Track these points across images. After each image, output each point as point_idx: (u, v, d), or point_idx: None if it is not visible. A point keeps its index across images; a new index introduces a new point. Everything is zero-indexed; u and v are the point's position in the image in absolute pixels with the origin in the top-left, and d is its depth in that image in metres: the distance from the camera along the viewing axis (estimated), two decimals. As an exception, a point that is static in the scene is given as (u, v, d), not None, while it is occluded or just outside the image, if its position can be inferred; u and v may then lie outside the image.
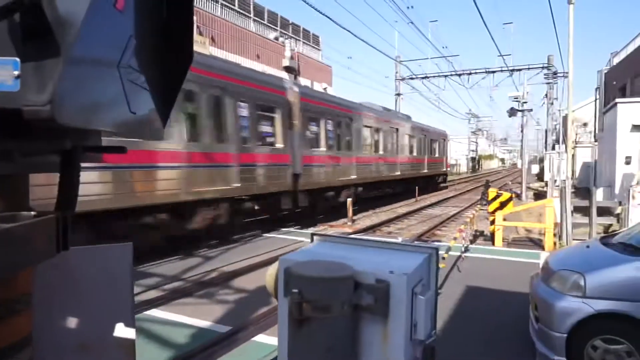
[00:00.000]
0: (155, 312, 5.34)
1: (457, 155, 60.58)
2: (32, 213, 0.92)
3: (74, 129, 0.90)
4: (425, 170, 23.97)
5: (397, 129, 19.75)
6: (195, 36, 18.62)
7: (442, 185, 29.28)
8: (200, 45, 17.57)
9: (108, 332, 1.29)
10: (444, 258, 7.32)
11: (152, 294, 6.06)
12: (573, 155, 14.65)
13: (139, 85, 1.10)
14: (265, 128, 10.81)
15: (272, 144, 10.95)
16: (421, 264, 1.19)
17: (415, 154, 22.21)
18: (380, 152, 17.94)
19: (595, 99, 28.32)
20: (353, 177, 15.30)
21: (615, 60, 26.03)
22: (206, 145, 8.69)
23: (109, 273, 1.30)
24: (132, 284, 1.35)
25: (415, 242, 10.37)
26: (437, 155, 26.51)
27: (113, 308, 1.31)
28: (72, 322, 1.21)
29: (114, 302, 1.31)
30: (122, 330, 1.30)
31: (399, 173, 19.79)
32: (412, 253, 1.28)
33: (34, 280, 0.99)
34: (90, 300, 1.26)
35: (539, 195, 22.00)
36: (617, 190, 12.81)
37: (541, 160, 34.46)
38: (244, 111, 9.80)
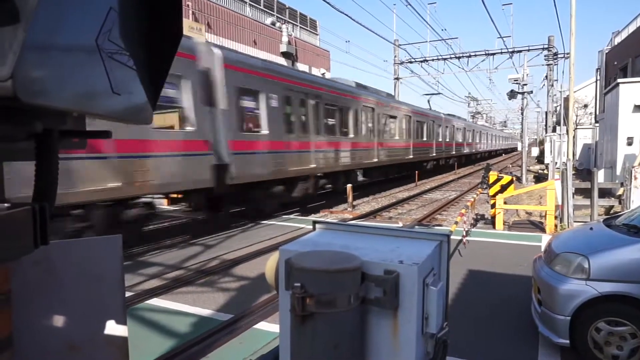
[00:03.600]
0: (156, 301, 5.32)
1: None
2: (6, 205, 0.82)
3: (44, 110, 0.80)
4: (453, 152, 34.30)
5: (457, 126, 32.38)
6: (191, 22, 18.31)
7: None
8: (197, 32, 17.32)
9: (98, 331, 1.22)
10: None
11: (154, 283, 6.04)
12: (573, 137, 14.56)
13: (124, 64, 0.99)
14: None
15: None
16: (432, 253, 1.12)
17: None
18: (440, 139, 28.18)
19: (596, 80, 28.11)
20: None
21: (617, 40, 25.73)
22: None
23: (97, 268, 1.22)
24: (122, 279, 1.28)
25: (416, 227, 10.35)
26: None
27: (103, 305, 1.23)
28: (57, 322, 1.14)
29: (103, 299, 1.23)
30: (113, 328, 1.23)
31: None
32: (422, 241, 1.21)
33: (11, 278, 0.92)
34: (77, 298, 1.18)
35: (539, 178, 21.98)
36: (618, 172, 12.74)
37: (541, 143, 34.36)
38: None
